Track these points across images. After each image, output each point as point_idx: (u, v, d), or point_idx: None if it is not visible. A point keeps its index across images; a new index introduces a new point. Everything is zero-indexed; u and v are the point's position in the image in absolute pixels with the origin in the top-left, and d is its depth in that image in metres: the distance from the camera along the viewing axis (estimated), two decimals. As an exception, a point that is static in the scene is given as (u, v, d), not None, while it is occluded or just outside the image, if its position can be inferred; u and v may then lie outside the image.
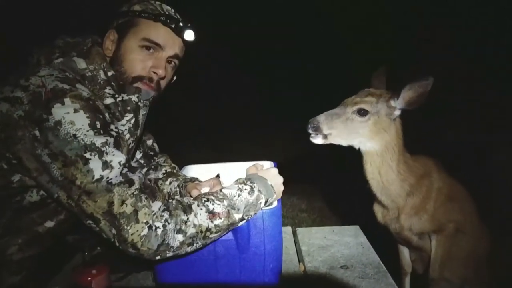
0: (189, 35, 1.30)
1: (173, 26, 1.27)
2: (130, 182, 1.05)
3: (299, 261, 1.50)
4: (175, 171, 1.62)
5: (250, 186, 1.16)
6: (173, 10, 1.32)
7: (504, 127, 4.07)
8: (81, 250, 1.33)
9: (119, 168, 1.04)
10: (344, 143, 1.51)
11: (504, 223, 2.05)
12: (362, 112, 1.45)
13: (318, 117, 1.46)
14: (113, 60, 1.26)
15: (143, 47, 1.26)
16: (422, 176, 1.60)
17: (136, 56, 1.26)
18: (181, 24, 1.28)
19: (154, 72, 1.28)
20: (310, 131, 1.46)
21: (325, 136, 1.47)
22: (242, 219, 1.14)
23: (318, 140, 1.48)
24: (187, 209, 1.07)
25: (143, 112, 1.30)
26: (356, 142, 1.50)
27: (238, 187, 1.16)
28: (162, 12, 1.27)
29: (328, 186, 4.26)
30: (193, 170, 1.70)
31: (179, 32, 1.29)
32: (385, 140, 1.48)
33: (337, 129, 1.45)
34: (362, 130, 1.46)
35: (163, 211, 1.05)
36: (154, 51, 1.27)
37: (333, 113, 1.47)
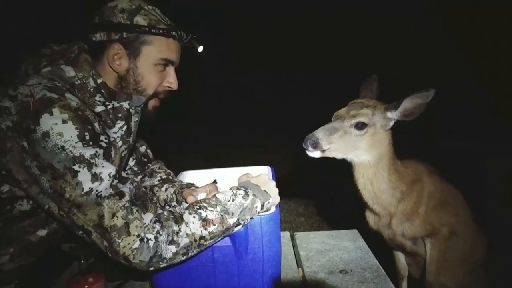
0: (201, 48, 1.31)
1: (185, 41, 1.28)
2: (121, 194, 1.04)
3: (298, 266, 1.49)
4: (170, 177, 1.61)
5: (245, 191, 1.16)
6: (164, 16, 1.29)
7: (499, 132, 4.10)
8: (77, 258, 1.31)
9: (109, 180, 1.03)
10: (340, 156, 1.48)
11: (498, 227, 2.05)
12: (360, 126, 1.42)
13: (316, 133, 1.42)
14: (127, 77, 1.24)
15: (159, 65, 1.26)
16: (413, 182, 1.59)
17: (154, 75, 1.26)
18: (190, 37, 1.29)
19: (168, 87, 1.31)
20: (309, 148, 1.41)
21: (323, 150, 1.43)
22: (237, 224, 1.13)
23: (316, 154, 1.44)
24: (179, 219, 1.06)
25: (135, 119, 1.29)
26: (352, 155, 1.48)
27: (232, 193, 1.15)
28: (167, 24, 1.25)
29: (325, 190, 4.26)
30: (190, 176, 1.70)
31: (191, 47, 1.30)
32: (379, 152, 1.47)
33: (335, 144, 1.42)
34: (359, 143, 1.44)
35: (155, 222, 1.04)
36: (167, 67, 1.30)
37: (331, 128, 1.43)
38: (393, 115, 1.45)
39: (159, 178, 1.58)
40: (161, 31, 1.21)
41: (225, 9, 8.52)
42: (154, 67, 1.26)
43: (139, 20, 1.20)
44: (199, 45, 1.31)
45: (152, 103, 1.33)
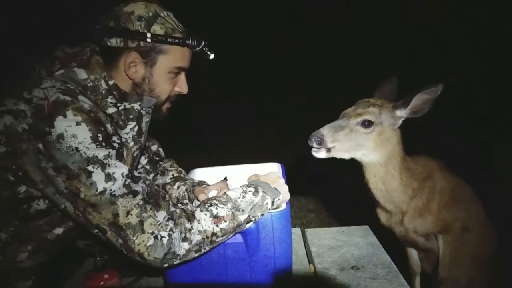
0: (213, 56, 1.33)
1: (198, 49, 1.29)
2: (134, 193, 1.06)
3: (309, 263, 1.49)
4: (182, 175, 1.62)
5: (255, 188, 1.18)
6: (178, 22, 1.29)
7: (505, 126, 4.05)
8: (92, 255, 1.34)
9: (122, 179, 1.06)
10: (347, 156, 1.48)
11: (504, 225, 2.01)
12: (367, 124, 1.42)
13: (321, 130, 1.42)
14: (142, 84, 1.26)
15: (172, 73, 1.28)
16: (424, 178, 1.58)
17: (168, 82, 1.29)
18: (203, 45, 1.29)
19: (179, 92, 1.35)
20: (314, 144, 1.41)
21: (328, 150, 1.43)
22: (248, 220, 1.14)
23: (321, 154, 1.44)
24: (191, 217, 1.08)
25: (146, 119, 1.31)
26: (359, 154, 1.48)
27: (242, 190, 1.17)
28: (181, 31, 1.25)
29: (335, 186, 4.24)
30: (201, 174, 1.71)
31: (203, 54, 1.31)
32: (388, 151, 1.46)
33: (341, 142, 1.42)
34: (366, 142, 1.43)
35: (168, 220, 1.06)
36: (179, 74, 1.32)
37: (337, 125, 1.43)
38: (403, 113, 1.44)
39: (171, 176, 1.59)
40: (176, 41, 1.22)
41: (233, 5, 8.50)
42: (167, 74, 1.27)
43: (156, 29, 1.19)
44: (211, 53, 1.32)
45: (166, 106, 1.36)
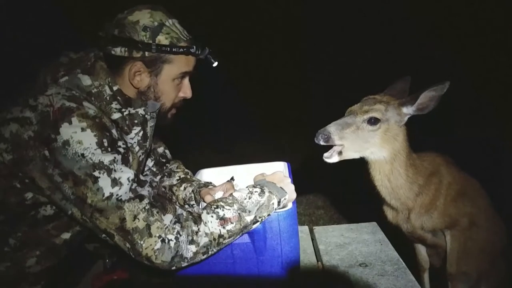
0: (216, 63, 1.33)
1: (202, 57, 1.29)
2: (140, 197, 1.07)
3: (317, 260, 1.50)
4: (188, 176, 1.63)
5: (261, 188, 1.18)
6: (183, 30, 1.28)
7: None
8: (101, 257, 1.35)
9: (128, 184, 1.07)
10: (357, 155, 1.48)
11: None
12: (373, 121, 1.41)
13: (328, 127, 1.42)
14: (147, 92, 1.27)
15: (177, 79, 1.29)
16: (430, 175, 1.57)
17: (172, 89, 1.30)
18: (207, 53, 1.30)
19: (183, 96, 1.36)
20: (321, 142, 1.41)
21: (340, 153, 1.44)
22: (255, 221, 1.14)
23: (334, 159, 1.45)
24: (197, 219, 1.09)
25: (150, 124, 1.31)
26: (367, 152, 1.48)
27: (248, 190, 1.17)
28: (186, 39, 1.25)
29: (344, 182, 4.22)
30: (207, 174, 1.72)
31: (207, 61, 1.32)
32: (394, 148, 1.46)
33: (348, 140, 1.41)
34: (373, 139, 1.43)
35: (175, 223, 1.07)
36: (184, 79, 1.33)
37: (343, 123, 1.43)
38: (409, 110, 1.43)
39: (178, 178, 1.60)
40: (181, 50, 1.22)
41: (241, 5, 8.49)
42: (172, 82, 1.29)
43: (162, 39, 1.20)
44: (215, 60, 1.32)
45: (171, 112, 1.38)
